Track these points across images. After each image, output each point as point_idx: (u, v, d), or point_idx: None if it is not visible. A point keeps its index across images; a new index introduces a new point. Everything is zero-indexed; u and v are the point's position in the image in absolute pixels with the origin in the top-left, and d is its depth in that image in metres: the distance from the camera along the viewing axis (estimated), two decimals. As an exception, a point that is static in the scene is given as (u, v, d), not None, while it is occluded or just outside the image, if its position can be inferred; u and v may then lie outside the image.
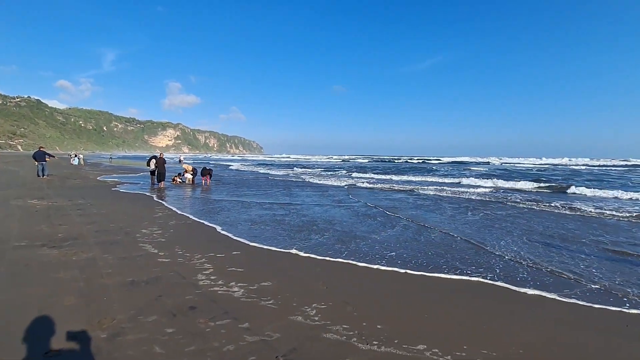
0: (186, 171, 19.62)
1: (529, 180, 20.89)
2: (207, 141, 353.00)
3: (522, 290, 4.59)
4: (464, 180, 21.44)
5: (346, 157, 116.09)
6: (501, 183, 19.96)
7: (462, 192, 16.08)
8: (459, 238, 7.27)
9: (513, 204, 12.37)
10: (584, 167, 44.75)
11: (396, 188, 17.54)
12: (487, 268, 5.42)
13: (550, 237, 7.57)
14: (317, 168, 40.52)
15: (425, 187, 17.82)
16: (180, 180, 19.54)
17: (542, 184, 19.37)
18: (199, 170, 19.84)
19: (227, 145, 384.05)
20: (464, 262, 5.71)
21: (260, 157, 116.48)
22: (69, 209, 9.66)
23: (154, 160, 18.05)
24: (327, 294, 4.30)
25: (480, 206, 11.82)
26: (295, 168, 39.92)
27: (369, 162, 69.78)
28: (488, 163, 61.92)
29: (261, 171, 33.94)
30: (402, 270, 5.23)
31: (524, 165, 53.54)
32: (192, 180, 19.39)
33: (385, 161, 75.03)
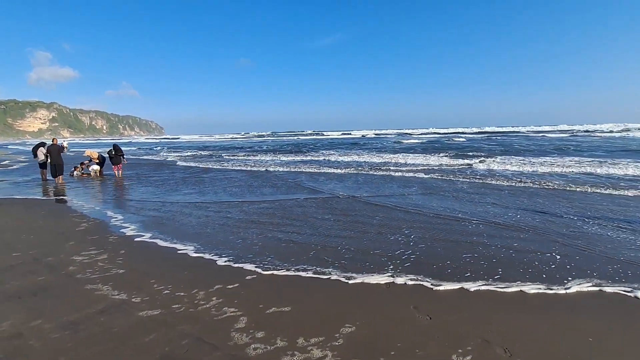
0: (91, 160, 15.45)
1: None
2: (93, 123, 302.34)
3: None
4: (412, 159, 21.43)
5: (256, 134, 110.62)
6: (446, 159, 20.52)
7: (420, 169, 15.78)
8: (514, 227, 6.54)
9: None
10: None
11: (340, 172, 14.64)
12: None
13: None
14: (237, 149, 36.59)
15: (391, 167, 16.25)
16: (83, 173, 15.34)
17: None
18: (107, 157, 15.65)
19: (120, 126, 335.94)
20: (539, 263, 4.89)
21: (152, 139, 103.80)
22: None
23: (43, 149, 13.68)
24: (446, 330, 2.95)
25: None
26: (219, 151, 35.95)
27: (292, 139, 66.41)
28: (411, 134, 65.78)
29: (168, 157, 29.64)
30: (477, 287, 4.15)
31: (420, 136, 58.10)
32: (101, 172, 15.40)
33: (301, 137, 74.23)
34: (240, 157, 23.68)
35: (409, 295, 3.63)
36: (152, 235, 5.82)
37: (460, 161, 16.81)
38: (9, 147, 69.69)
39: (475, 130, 71.19)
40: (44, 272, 4.28)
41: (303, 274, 4.19)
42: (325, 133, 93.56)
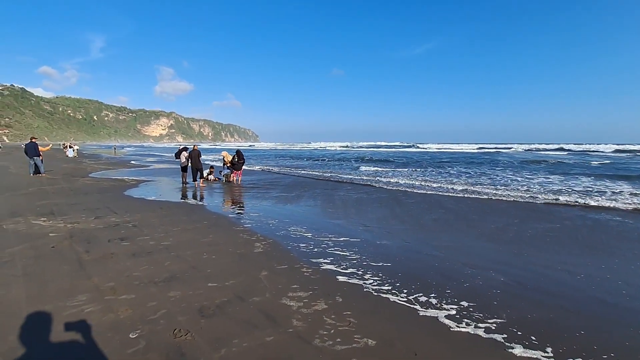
0: (225, 163, 15.65)
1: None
2: (201, 130, 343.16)
3: None
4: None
5: (341, 145, 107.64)
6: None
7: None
8: None
9: None
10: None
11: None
12: None
13: None
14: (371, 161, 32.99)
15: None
16: (213, 178, 15.64)
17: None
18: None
19: (222, 133, 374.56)
20: None
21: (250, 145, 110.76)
22: (105, 238, 5.88)
23: (185, 153, 14.17)
24: None
25: None
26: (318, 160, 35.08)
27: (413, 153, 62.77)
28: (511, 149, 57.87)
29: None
30: None
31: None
32: (232, 177, 15.49)
33: (401, 149, 70.94)
34: (379, 176, 22.14)
35: None
36: (356, 276, 4.45)
37: None
38: (125, 147, 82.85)
39: (608, 147, 57.64)
40: (265, 326, 3.11)
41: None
42: (419, 145, 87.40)
